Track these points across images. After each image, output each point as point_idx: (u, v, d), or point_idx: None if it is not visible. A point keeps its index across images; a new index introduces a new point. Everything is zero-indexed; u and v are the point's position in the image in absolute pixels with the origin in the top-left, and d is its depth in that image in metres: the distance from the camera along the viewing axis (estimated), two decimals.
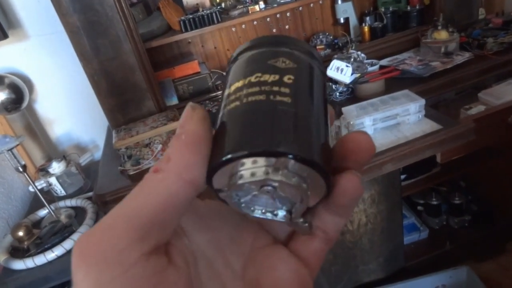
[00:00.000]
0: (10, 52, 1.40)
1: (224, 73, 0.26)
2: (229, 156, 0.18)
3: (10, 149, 1.14)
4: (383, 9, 1.61)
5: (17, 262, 1.07)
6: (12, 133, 1.42)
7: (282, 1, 1.45)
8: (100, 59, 1.22)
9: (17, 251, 1.13)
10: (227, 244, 0.22)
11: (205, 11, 1.36)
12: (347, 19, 1.64)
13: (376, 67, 1.40)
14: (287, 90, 0.20)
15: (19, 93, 1.41)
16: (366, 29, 1.57)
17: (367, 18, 1.63)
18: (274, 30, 1.65)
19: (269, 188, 0.19)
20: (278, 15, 1.62)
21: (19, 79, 1.40)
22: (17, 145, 1.12)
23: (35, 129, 1.49)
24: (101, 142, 1.54)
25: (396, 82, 1.37)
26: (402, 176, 1.73)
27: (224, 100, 0.21)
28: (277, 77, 0.20)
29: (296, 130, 0.19)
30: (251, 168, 0.18)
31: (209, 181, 0.19)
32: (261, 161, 0.18)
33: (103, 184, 1.15)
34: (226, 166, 0.19)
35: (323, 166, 0.19)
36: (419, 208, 1.73)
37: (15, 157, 1.13)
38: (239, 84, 0.21)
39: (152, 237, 0.17)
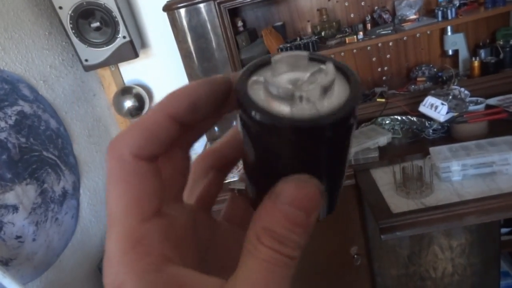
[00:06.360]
0: (138, 68, 1.69)
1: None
2: None
3: None
4: (501, 42, 1.46)
5: None
6: None
7: (382, 32, 1.43)
8: None
9: None
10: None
11: (303, 40, 1.44)
12: (456, 51, 1.53)
13: (480, 107, 1.28)
14: None
15: (142, 101, 1.70)
16: (476, 63, 1.44)
17: (482, 51, 1.50)
18: (374, 59, 1.64)
19: None
20: (379, 44, 1.60)
21: (143, 90, 1.68)
22: None
23: None
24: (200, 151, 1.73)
25: (503, 125, 1.23)
26: (505, 230, 1.53)
27: None
28: None
29: None
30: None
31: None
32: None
33: None
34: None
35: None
36: None
37: None
38: None
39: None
